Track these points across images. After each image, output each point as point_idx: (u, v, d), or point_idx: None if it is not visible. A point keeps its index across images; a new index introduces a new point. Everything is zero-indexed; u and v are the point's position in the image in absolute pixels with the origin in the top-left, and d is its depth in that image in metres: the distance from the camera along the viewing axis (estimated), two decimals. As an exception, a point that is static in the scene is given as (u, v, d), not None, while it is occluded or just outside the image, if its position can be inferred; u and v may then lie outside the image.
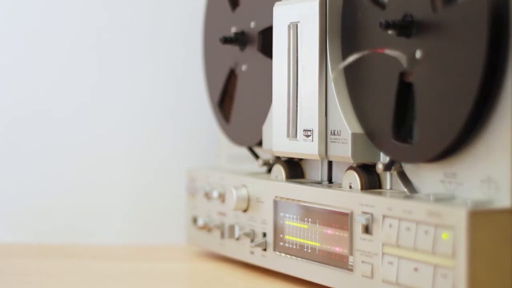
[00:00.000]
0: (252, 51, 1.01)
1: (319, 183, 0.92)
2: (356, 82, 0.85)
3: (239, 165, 1.08)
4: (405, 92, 0.79)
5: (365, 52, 0.80)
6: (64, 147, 1.20)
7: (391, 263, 0.76)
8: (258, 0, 1.00)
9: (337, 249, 0.83)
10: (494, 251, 0.70)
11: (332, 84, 0.86)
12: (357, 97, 0.84)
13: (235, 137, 1.05)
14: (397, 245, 0.76)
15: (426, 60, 0.76)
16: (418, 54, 0.76)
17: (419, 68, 0.77)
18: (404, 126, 0.80)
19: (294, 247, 0.90)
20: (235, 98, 1.05)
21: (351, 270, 0.81)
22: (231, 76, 1.06)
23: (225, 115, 1.07)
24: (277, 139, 0.93)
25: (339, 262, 0.83)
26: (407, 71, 0.78)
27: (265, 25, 0.98)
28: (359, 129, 0.84)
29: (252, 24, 1.01)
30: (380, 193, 0.81)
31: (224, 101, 1.08)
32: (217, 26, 1.07)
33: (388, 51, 0.78)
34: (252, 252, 0.97)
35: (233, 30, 1.03)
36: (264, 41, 0.99)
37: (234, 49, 1.04)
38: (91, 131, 1.21)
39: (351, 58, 0.81)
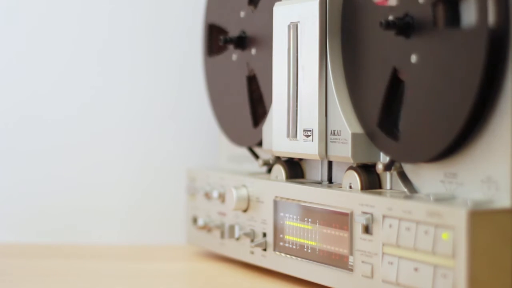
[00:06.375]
0: (256, 43, 1.00)
1: (319, 183, 0.92)
2: (356, 82, 0.85)
3: (239, 165, 1.08)
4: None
5: None
6: (64, 147, 1.20)
7: (391, 263, 0.76)
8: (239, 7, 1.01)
9: (337, 249, 0.83)
10: (494, 251, 0.70)
11: (332, 84, 0.86)
12: (357, 97, 0.84)
13: (234, 138, 1.05)
14: (397, 245, 0.76)
15: (425, 59, 0.76)
16: (417, 55, 0.77)
17: (418, 67, 0.77)
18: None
19: (294, 247, 0.90)
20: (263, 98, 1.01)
21: (351, 270, 0.81)
22: (251, 84, 1.03)
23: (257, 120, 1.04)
24: (277, 139, 0.93)
25: (339, 262, 0.83)
26: (403, 69, 0.78)
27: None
28: (359, 129, 0.84)
29: (242, 14, 1.01)
30: (380, 193, 0.81)
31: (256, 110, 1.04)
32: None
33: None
34: (252, 252, 0.96)
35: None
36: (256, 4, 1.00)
37: (238, 60, 1.03)
38: (91, 131, 1.21)
39: None
